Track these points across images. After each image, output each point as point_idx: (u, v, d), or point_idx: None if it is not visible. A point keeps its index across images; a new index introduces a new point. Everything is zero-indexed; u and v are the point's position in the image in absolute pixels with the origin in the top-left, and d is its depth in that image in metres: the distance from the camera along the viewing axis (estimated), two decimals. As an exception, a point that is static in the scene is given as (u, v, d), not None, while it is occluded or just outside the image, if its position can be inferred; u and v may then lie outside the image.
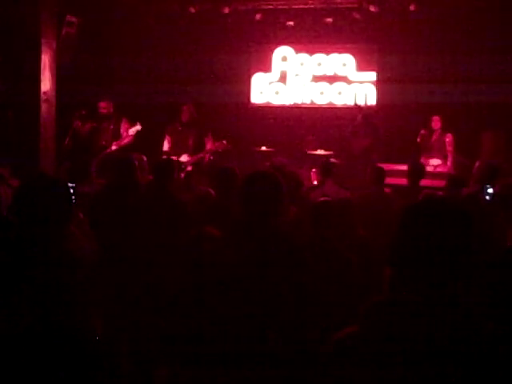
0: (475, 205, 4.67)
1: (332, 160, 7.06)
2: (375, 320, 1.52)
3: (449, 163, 8.84)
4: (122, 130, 8.26)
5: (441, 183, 6.60)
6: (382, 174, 6.11)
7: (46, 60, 7.98)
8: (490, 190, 4.83)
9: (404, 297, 1.53)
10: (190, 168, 8.14)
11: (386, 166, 6.80)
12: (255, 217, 2.51)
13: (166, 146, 8.56)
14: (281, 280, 2.40)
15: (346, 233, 4.17)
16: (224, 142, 8.25)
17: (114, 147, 8.12)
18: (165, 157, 7.56)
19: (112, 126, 8.28)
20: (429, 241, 1.52)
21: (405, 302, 1.52)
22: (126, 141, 8.20)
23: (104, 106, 8.32)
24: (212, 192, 5.00)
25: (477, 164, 6.16)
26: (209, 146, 8.35)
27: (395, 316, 1.50)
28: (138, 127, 8.19)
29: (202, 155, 8.28)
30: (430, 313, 1.48)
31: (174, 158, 7.24)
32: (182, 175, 7.67)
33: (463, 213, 1.56)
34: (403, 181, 6.45)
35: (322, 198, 4.04)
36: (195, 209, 4.72)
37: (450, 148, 8.87)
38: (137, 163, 5.18)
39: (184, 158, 8.23)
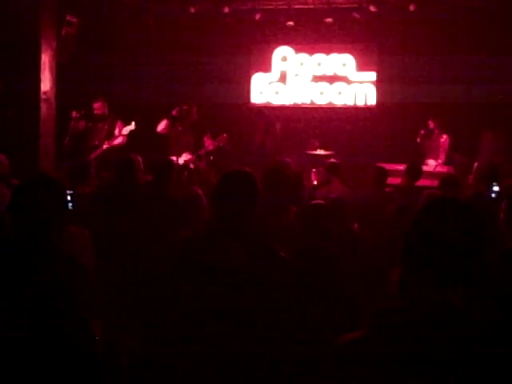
0: (482, 204, 4.65)
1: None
2: (384, 325, 1.49)
3: (440, 162, 8.88)
4: (116, 132, 8.21)
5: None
6: (384, 174, 6.10)
7: (45, 60, 7.96)
8: (496, 188, 4.79)
9: (414, 301, 1.50)
10: (192, 166, 8.14)
11: (386, 166, 6.79)
12: (228, 217, 2.38)
13: (160, 127, 8.34)
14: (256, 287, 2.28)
15: (340, 233, 4.15)
16: (225, 135, 8.22)
17: (105, 146, 8.08)
18: (162, 156, 7.52)
19: (107, 127, 8.23)
20: (443, 242, 1.49)
21: (415, 307, 1.49)
22: (118, 141, 8.13)
23: (98, 107, 8.25)
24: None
25: (475, 165, 6.15)
26: (208, 143, 8.35)
27: (405, 321, 1.47)
28: (132, 126, 8.09)
29: (201, 152, 8.27)
30: (442, 317, 1.45)
31: (174, 158, 7.23)
32: (186, 173, 7.62)
33: (476, 213, 1.53)
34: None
35: (314, 202, 4.02)
36: (188, 209, 4.69)
37: (444, 148, 8.92)
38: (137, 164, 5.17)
39: (185, 157, 8.21)
